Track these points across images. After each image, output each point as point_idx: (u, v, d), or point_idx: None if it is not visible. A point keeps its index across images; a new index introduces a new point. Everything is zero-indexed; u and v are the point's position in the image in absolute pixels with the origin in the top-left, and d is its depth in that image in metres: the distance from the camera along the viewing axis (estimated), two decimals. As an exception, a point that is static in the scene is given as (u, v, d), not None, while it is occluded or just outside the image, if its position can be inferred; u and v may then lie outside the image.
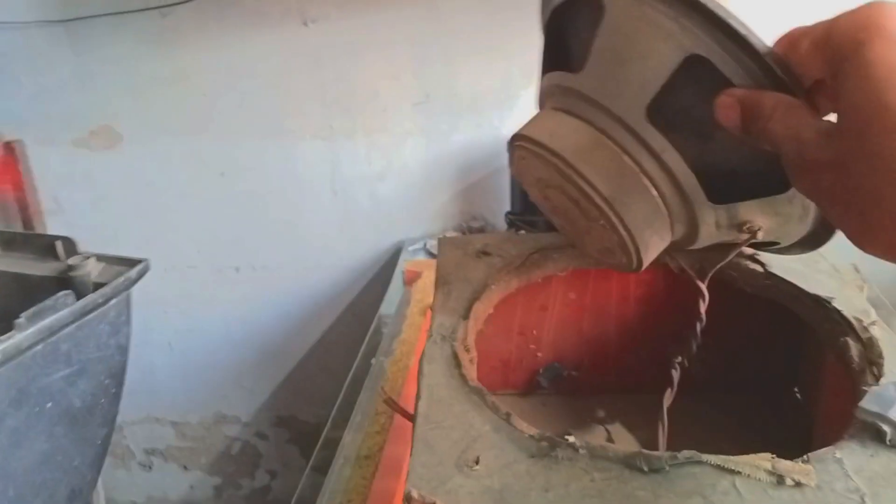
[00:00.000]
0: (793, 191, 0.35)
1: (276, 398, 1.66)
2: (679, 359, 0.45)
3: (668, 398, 0.44)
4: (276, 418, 1.68)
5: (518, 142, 0.41)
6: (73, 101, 1.35)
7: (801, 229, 0.40)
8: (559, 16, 0.42)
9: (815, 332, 0.44)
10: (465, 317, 0.47)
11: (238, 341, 1.59)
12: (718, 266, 0.44)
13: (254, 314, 1.55)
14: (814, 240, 0.41)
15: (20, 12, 1.28)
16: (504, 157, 1.26)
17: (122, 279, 0.50)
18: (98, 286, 0.50)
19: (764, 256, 0.49)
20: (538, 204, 0.45)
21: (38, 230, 1.39)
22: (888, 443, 0.32)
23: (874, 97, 0.24)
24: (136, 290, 1.47)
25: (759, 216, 0.37)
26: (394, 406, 0.51)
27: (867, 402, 0.33)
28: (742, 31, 0.31)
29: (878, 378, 0.37)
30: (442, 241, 0.55)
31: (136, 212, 1.45)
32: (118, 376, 0.52)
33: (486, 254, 0.53)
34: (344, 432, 0.63)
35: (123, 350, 0.51)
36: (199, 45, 1.28)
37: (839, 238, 0.33)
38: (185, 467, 1.78)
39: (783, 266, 0.48)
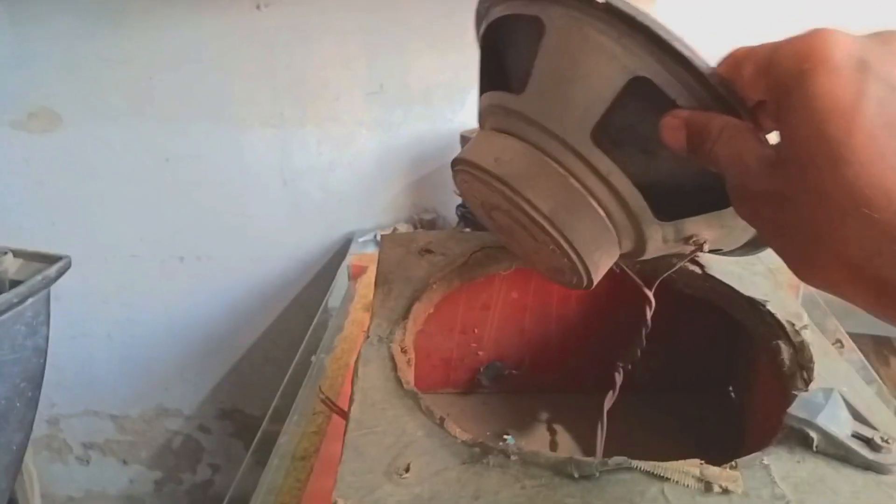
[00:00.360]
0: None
1: (219, 391, 1.62)
2: (622, 363, 0.45)
3: (609, 401, 0.44)
4: (219, 411, 1.65)
5: (461, 166, 0.40)
6: (10, 80, 1.29)
7: (744, 236, 0.40)
8: (495, 30, 0.41)
9: (750, 333, 0.45)
10: (405, 317, 0.46)
11: (181, 333, 1.55)
12: (664, 275, 0.44)
13: (198, 305, 1.51)
14: (755, 245, 0.41)
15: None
16: (456, 150, 1.26)
17: (39, 277, 0.47)
18: (14, 284, 0.47)
19: (703, 258, 0.49)
20: (484, 223, 0.45)
21: (-30, 215, 1.32)
22: (815, 449, 0.32)
23: (816, 130, 0.24)
24: (73, 280, 1.41)
25: (706, 229, 0.38)
26: (331, 406, 0.49)
27: (796, 409, 0.33)
28: (685, 52, 0.31)
29: (807, 382, 0.37)
30: (384, 239, 0.54)
31: (76, 198, 1.39)
32: (35, 379, 0.49)
33: (428, 252, 0.52)
34: (281, 431, 0.62)
35: (41, 352, 0.48)
36: (145, 25, 1.23)
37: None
38: (125, 461, 1.73)
39: (721, 268, 0.49)
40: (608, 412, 0.44)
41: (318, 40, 1.25)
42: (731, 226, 0.38)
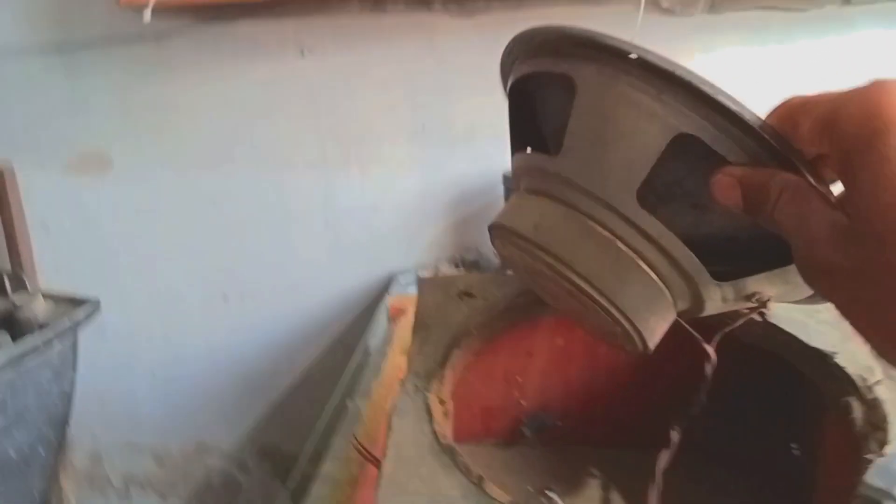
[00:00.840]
0: None
1: (259, 429, 1.62)
2: (679, 421, 0.41)
3: (663, 460, 0.41)
4: (259, 450, 1.64)
5: (499, 231, 0.38)
6: (64, 126, 1.34)
7: (810, 290, 0.37)
8: (523, 84, 0.39)
9: (816, 388, 0.41)
10: (442, 365, 0.44)
11: (223, 370, 1.55)
12: (727, 329, 0.41)
13: (240, 344, 1.52)
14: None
15: (15, 39, 1.28)
16: (499, 190, 1.25)
17: (66, 320, 0.47)
18: (42, 327, 0.46)
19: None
20: (529, 286, 0.42)
21: (24, 254, 1.36)
22: None
23: (894, 200, 0.21)
24: (120, 318, 1.44)
25: (768, 287, 0.35)
26: (365, 455, 0.48)
27: (872, 477, 0.30)
28: (732, 105, 0.28)
29: (882, 444, 0.34)
30: (423, 283, 0.53)
31: (124, 238, 1.42)
32: (60, 425, 0.48)
33: (468, 295, 0.50)
34: (314, 480, 0.60)
35: (67, 397, 0.47)
36: (193, 74, 1.27)
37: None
38: (164, 496, 1.73)
39: (784, 315, 0.46)
40: (663, 470, 0.40)
41: (361, 84, 1.28)
42: (796, 283, 0.35)
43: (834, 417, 0.39)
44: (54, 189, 1.39)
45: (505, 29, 1.34)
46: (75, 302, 0.50)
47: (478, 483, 0.34)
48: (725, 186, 0.29)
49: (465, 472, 0.35)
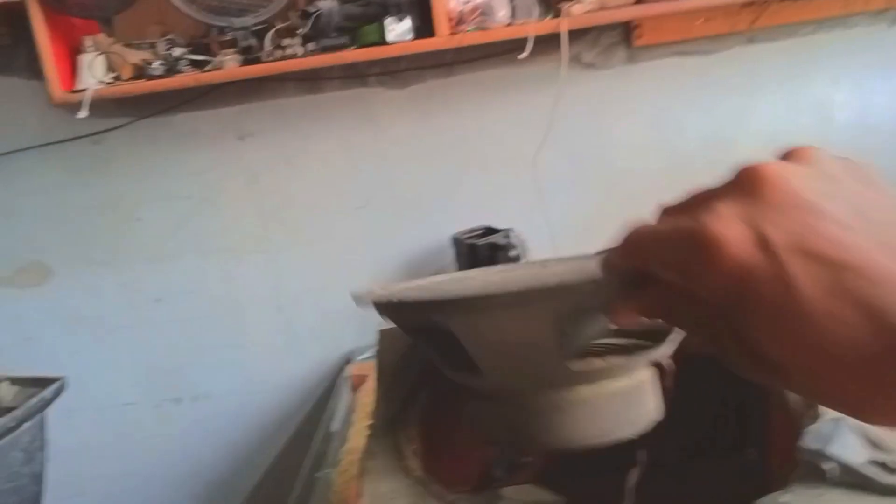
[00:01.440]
0: None
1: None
2: (647, 439, 0.42)
3: (633, 479, 0.41)
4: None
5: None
6: (-2, 236, 1.31)
7: None
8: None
9: (755, 384, 0.42)
10: (408, 406, 0.44)
11: (179, 481, 1.47)
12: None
13: (196, 450, 1.45)
14: None
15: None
16: (448, 252, 1.27)
17: (35, 400, 0.45)
18: (9, 410, 0.45)
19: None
20: None
21: (-41, 378, 1.29)
22: (832, 481, 0.30)
23: (767, 332, 0.23)
24: (66, 436, 1.37)
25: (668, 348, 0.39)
26: (340, 517, 0.46)
27: (806, 441, 0.31)
28: (571, 278, 0.32)
29: (815, 417, 0.35)
30: (382, 333, 0.53)
31: (67, 349, 1.37)
32: None
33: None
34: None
35: (38, 479, 0.45)
36: (131, 170, 1.27)
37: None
38: None
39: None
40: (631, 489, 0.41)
41: (302, 163, 1.30)
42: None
43: (774, 406, 0.40)
44: (-10, 305, 1.34)
45: (438, 97, 1.42)
46: (42, 382, 0.48)
47: (454, 507, 0.34)
48: (623, 317, 0.30)
49: (439, 498, 0.35)
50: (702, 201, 0.25)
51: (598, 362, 0.36)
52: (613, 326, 0.36)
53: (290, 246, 1.34)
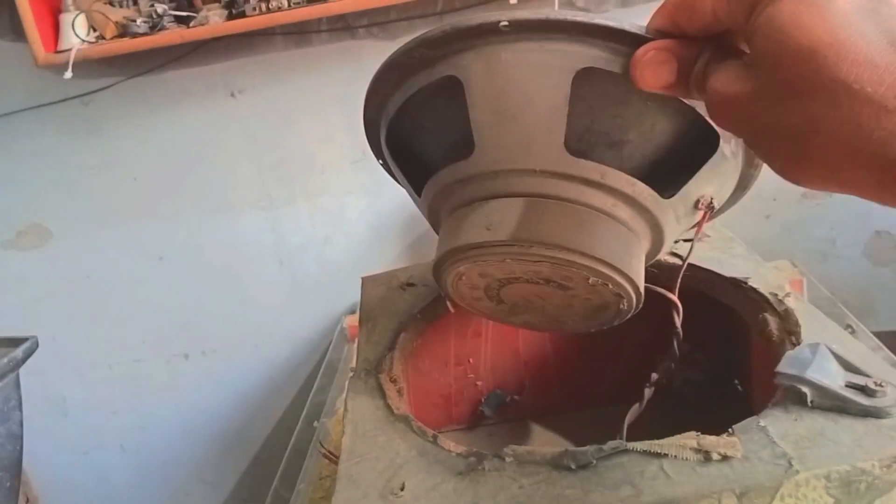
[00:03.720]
0: (723, 143, 0.34)
1: (241, 488, 1.57)
2: (655, 377, 0.42)
3: (633, 414, 0.40)
4: (245, 508, 1.60)
5: (450, 260, 0.36)
6: (-4, 201, 1.32)
7: (734, 175, 0.38)
8: (398, 123, 0.39)
9: (738, 313, 0.44)
10: (391, 348, 0.45)
11: (194, 433, 1.52)
12: (686, 261, 0.40)
13: (208, 402, 1.49)
14: (744, 183, 0.39)
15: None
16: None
17: (5, 360, 0.46)
18: None
19: (681, 249, 0.49)
20: (491, 317, 0.41)
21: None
22: (810, 404, 0.31)
23: (790, 21, 0.23)
24: (81, 393, 1.40)
25: (706, 186, 0.35)
26: (333, 459, 0.48)
27: (784, 366, 0.32)
28: (614, 25, 0.30)
29: (795, 345, 0.36)
30: (365, 280, 0.54)
31: (74, 310, 1.39)
32: (12, 468, 0.47)
33: (411, 285, 0.52)
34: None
35: (16, 438, 0.47)
36: (124, 130, 1.27)
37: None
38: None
39: (702, 256, 0.49)
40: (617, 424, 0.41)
41: (297, 118, 1.29)
42: (723, 170, 0.36)
43: (756, 335, 0.42)
44: (-6, 268, 1.36)
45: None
46: (13, 342, 0.50)
47: (433, 441, 0.36)
48: (655, 63, 0.29)
49: (421, 434, 0.36)
50: None
51: (603, 169, 0.33)
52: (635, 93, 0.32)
53: (288, 200, 1.35)
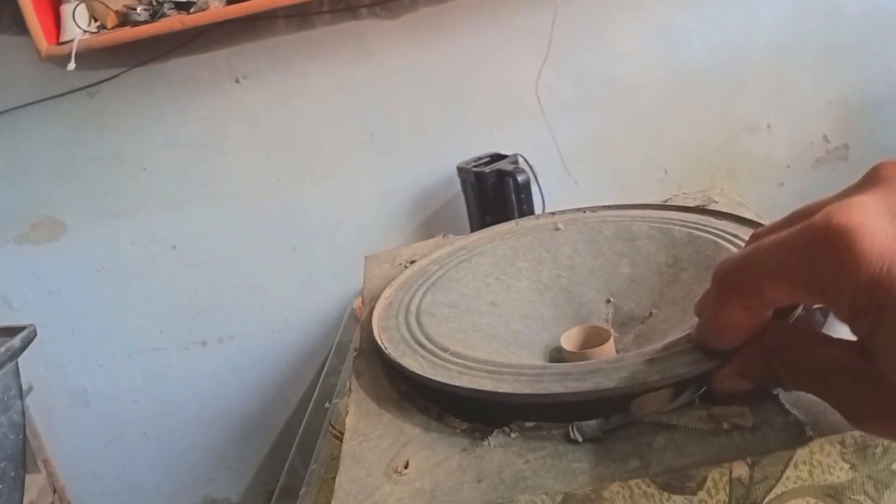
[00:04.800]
0: None
1: (264, 472, 1.59)
2: None
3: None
4: (267, 493, 1.61)
5: None
6: (9, 196, 1.33)
7: None
8: None
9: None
10: (397, 327, 0.44)
11: (215, 419, 1.54)
12: None
13: (228, 387, 1.51)
14: None
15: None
16: (455, 182, 1.26)
17: (3, 349, 0.46)
18: None
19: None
20: None
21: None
22: None
23: None
24: (102, 383, 1.41)
25: None
26: (342, 439, 0.48)
27: (797, 331, 0.31)
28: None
29: (807, 311, 0.35)
30: (368, 260, 0.54)
31: (91, 301, 1.41)
32: (16, 457, 0.48)
33: (414, 262, 0.51)
34: (303, 483, 0.60)
35: (18, 427, 0.47)
36: (131, 120, 1.28)
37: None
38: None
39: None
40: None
41: (302, 102, 1.29)
42: None
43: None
44: (9, 263, 1.37)
45: (433, 24, 1.39)
46: (10, 330, 0.50)
47: (437, 418, 0.35)
48: (730, 385, 0.28)
49: (425, 410, 0.36)
50: (814, 208, 0.22)
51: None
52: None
53: (297, 186, 1.35)
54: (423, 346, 0.39)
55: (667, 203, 0.51)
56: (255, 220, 1.36)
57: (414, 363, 0.37)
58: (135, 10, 1.05)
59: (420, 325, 0.41)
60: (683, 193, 0.54)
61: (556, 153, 1.32)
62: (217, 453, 1.57)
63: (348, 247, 1.38)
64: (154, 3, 1.06)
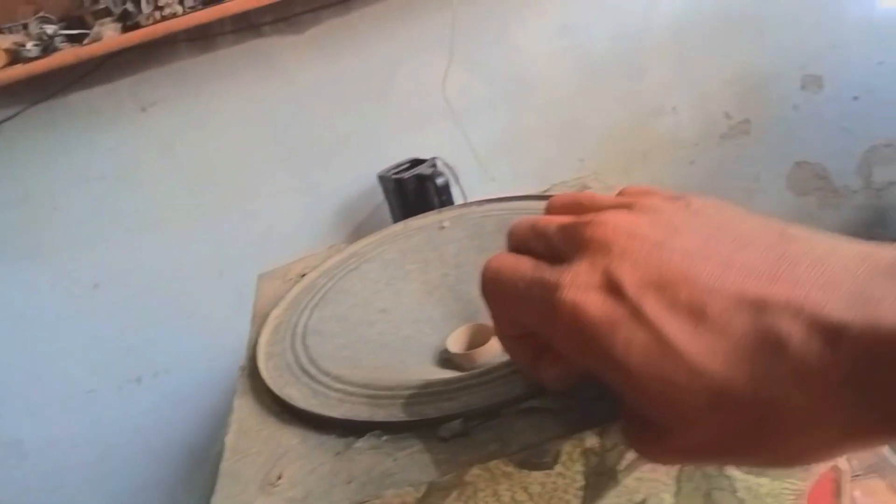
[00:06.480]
0: None
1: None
2: None
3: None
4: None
5: None
6: None
7: None
8: None
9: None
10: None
11: (161, 454, 1.50)
12: None
13: (169, 421, 1.47)
14: None
15: None
16: (377, 191, 1.27)
17: None
18: None
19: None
20: None
21: None
22: None
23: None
24: (38, 433, 1.34)
25: None
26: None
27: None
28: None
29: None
30: (260, 279, 0.54)
31: (15, 348, 1.36)
32: None
33: (304, 276, 0.51)
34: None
35: None
36: (38, 158, 1.24)
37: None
38: None
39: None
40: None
41: (214, 125, 1.27)
42: None
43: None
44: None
45: (339, 36, 1.38)
46: None
47: (315, 427, 0.35)
48: (559, 384, 0.29)
49: (304, 418, 0.36)
50: (592, 204, 0.27)
51: None
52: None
53: (219, 209, 1.33)
54: (306, 373, 0.39)
55: (546, 193, 0.53)
56: (178, 248, 1.34)
57: (295, 393, 0.37)
58: (24, 46, 1.02)
59: (306, 347, 0.41)
60: (563, 182, 0.55)
61: (472, 153, 1.33)
62: (166, 489, 1.53)
63: (277, 265, 1.36)
64: (44, 38, 1.03)
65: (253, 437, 0.36)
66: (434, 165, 1.25)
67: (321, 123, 1.30)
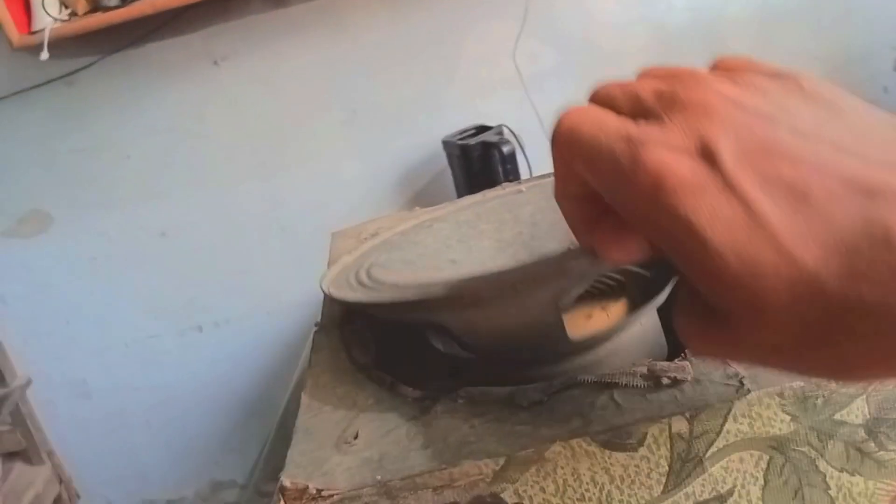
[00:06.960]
0: None
1: (271, 452, 1.61)
2: None
3: None
4: (274, 474, 1.63)
5: None
6: (-6, 190, 1.32)
7: None
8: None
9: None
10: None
11: (217, 403, 1.55)
12: None
13: (227, 371, 1.51)
14: None
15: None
16: (440, 157, 1.26)
17: None
18: None
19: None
20: None
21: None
22: None
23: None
24: (100, 375, 1.40)
25: None
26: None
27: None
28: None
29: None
30: (333, 236, 0.54)
31: (84, 292, 1.41)
32: None
33: (377, 235, 0.51)
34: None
35: None
36: (111, 108, 1.27)
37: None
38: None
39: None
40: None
41: (280, 82, 1.28)
42: None
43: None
44: (-1, 259, 1.38)
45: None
46: None
47: (390, 388, 0.35)
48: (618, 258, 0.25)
49: (379, 381, 0.36)
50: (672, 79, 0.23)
51: (599, 321, 0.35)
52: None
53: (281, 167, 1.34)
54: (362, 284, 0.39)
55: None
56: (241, 203, 1.36)
57: (349, 293, 0.38)
58: (104, -5, 1.04)
59: (369, 274, 0.41)
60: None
61: (538, 122, 1.30)
62: (221, 437, 1.58)
63: (337, 226, 1.37)
64: (124, -12, 1.05)
65: (328, 393, 0.36)
66: (500, 133, 1.23)
67: (386, 85, 1.29)
